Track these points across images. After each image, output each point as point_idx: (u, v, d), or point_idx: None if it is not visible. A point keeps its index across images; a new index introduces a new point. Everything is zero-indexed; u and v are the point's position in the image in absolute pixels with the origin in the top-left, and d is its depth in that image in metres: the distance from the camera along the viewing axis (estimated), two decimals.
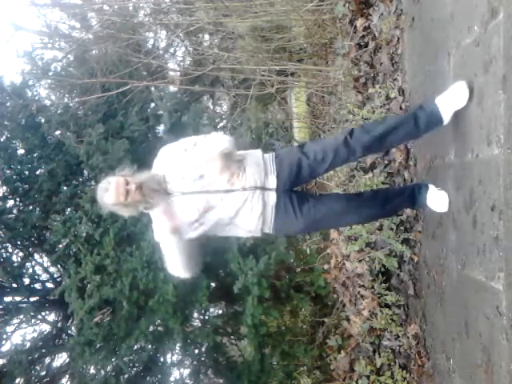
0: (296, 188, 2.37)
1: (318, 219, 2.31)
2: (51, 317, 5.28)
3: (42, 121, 5.00)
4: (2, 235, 4.76)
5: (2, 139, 5.00)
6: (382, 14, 3.36)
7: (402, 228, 3.10)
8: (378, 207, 2.45)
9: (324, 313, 4.43)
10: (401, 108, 3.10)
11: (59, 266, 4.97)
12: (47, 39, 5.90)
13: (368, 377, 3.31)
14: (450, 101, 2.14)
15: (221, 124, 5.88)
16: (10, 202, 4.96)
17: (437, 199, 2.40)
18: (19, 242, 4.90)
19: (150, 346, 4.55)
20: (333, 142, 2.28)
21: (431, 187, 2.43)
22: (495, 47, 1.82)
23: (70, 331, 5.11)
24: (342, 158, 2.28)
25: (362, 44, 3.61)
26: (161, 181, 2.23)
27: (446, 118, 2.18)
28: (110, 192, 2.15)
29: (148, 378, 4.79)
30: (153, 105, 5.20)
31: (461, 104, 2.10)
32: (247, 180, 2.21)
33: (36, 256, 5.11)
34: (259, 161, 2.27)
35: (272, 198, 2.24)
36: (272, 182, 2.24)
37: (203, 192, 2.19)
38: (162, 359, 4.73)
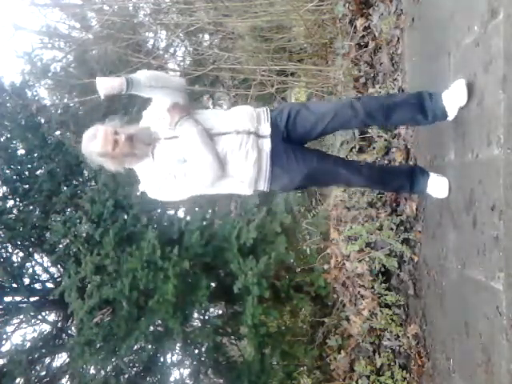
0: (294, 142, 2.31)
1: (318, 168, 2.25)
2: (51, 317, 5.28)
3: (42, 121, 5.01)
4: (2, 235, 4.76)
5: (2, 139, 5.01)
6: (382, 14, 3.36)
7: (402, 228, 3.10)
8: (376, 175, 2.44)
9: (324, 313, 4.42)
10: None
11: (59, 266, 4.97)
12: (47, 39, 5.90)
13: (368, 377, 3.30)
14: (453, 97, 2.14)
15: None
16: (10, 202, 4.97)
17: (437, 185, 2.38)
18: (19, 242, 4.90)
19: (150, 346, 4.54)
20: (338, 102, 2.25)
21: (431, 175, 2.41)
22: (495, 47, 1.82)
23: (70, 331, 5.11)
24: (344, 119, 2.24)
25: (362, 44, 3.61)
26: (151, 133, 2.20)
27: (451, 113, 2.18)
28: (98, 140, 2.10)
29: (148, 378, 4.79)
30: None
31: (462, 101, 2.10)
32: (239, 122, 2.19)
33: (36, 256, 5.11)
34: (249, 110, 2.27)
35: (267, 144, 2.20)
36: (265, 128, 2.22)
37: None
38: (162, 359, 4.73)
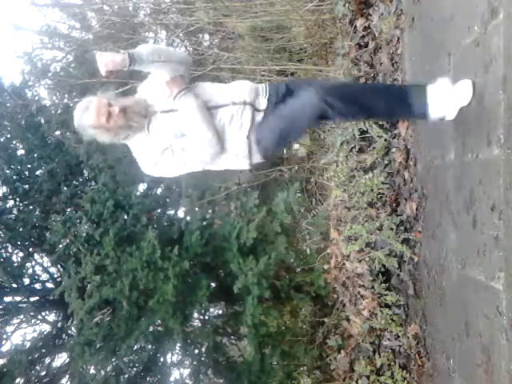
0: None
1: (284, 114, 2.15)
2: (51, 317, 5.29)
3: (42, 121, 5.01)
4: (2, 235, 4.77)
5: (1, 139, 5.01)
6: (382, 14, 3.36)
7: (402, 228, 3.10)
8: (366, 94, 2.20)
9: (324, 313, 4.42)
10: None
11: (59, 266, 4.97)
12: (47, 39, 5.90)
13: (368, 377, 3.30)
14: (457, 96, 2.09)
15: None
16: (10, 202, 4.98)
17: (457, 92, 2.04)
18: (19, 242, 4.91)
19: (150, 346, 4.55)
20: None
21: (430, 89, 2.08)
22: (495, 47, 1.82)
23: (70, 331, 5.11)
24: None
25: (362, 44, 3.60)
26: (147, 105, 2.17)
27: (452, 113, 2.12)
28: (91, 111, 2.04)
29: (148, 378, 4.79)
30: None
31: (465, 101, 2.07)
32: (237, 94, 2.18)
33: (36, 256, 5.11)
34: (249, 83, 2.26)
35: (259, 118, 2.20)
36: (262, 103, 2.21)
37: None
38: (162, 359, 4.73)
